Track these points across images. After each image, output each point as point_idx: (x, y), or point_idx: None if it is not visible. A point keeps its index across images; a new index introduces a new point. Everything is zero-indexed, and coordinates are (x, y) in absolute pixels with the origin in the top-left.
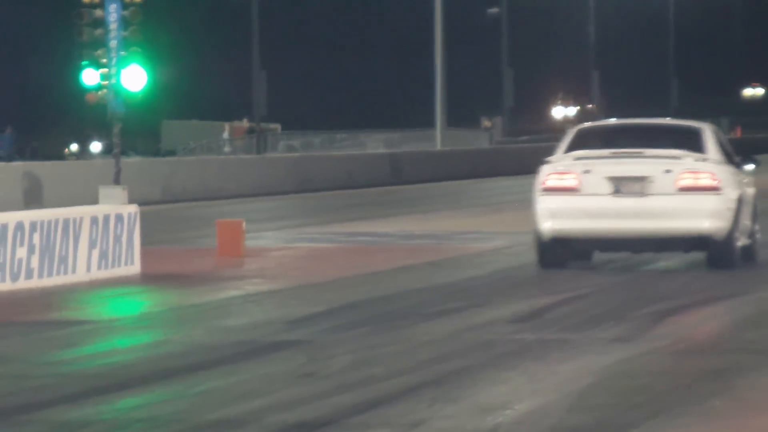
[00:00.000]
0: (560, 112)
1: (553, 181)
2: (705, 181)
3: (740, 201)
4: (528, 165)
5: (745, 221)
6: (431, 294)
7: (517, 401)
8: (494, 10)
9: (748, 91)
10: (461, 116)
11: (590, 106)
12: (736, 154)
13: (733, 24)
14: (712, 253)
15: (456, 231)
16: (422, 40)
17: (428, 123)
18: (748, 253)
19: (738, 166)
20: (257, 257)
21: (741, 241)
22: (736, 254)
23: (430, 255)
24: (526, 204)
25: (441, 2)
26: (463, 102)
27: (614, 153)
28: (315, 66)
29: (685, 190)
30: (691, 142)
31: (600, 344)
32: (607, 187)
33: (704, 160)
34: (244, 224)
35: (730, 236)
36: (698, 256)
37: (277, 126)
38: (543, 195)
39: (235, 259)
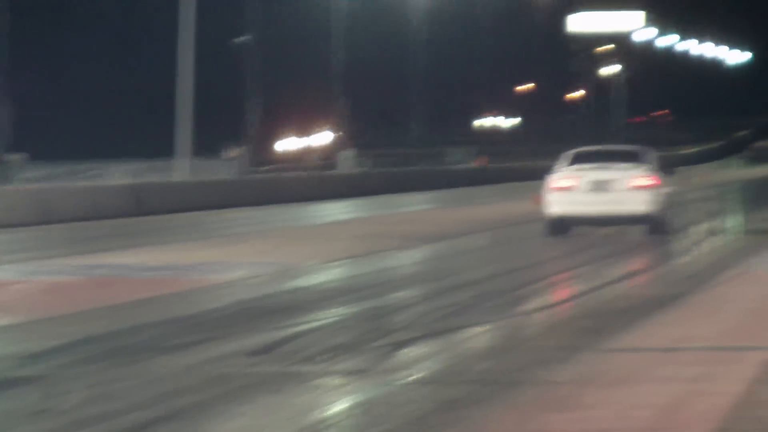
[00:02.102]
0: (289, 144)
1: (558, 183)
2: (647, 181)
3: (667, 194)
4: (271, 195)
5: (669, 208)
6: (170, 327)
7: None
8: (242, 38)
9: (480, 121)
10: (206, 146)
11: (338, 134)
12: (663, 167)
13: (470, 57)
14: (652, 225)
15: (197, 262)
16: (168, 68)
17: (172, 153)
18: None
19: (666, 173)
20: None
21: (666, 217)
22: (667, 226)
23: (171, 287)
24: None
25: (186, 29)
26: (208, 132)
27: (594, 166)
28: (63, 96)
29: (636, 188)
30: (638, 158)
31: (337, 376)
32: (590, 186)
33: (646, 169)
34: None
35: (662, 214)
36: (438, 289)
37: (19, 156)
38: (552, 192)
39: None
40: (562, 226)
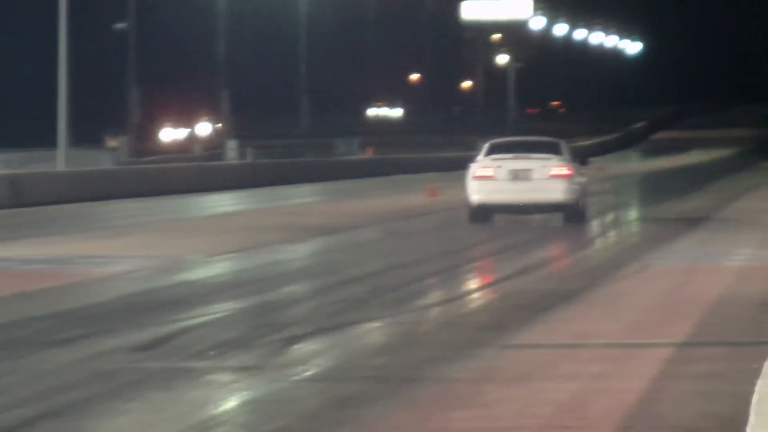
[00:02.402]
0: (174, 134)
1: (479, 172)
2: (564, 171)
3: (581, 183)
4: (155, 186)
5: (583, 196)
6: (53, 321)
7: None
8: (122, 25)
9: (372, 111)
10: (86, 135)
11: (218, 125)
12: (577, 157)
13: (362, 43)
14: (567, 213)
15: (80, 255)
16: (46, 55)
17: (52, 143)
18: (580, 212)
19: (581, 163)
20: None
21: (581, 205)
22: (582, 213)
23: (53, 280)
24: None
25: (65, 17)
26: (89, 121)
27: (513, 156)
28: None
29: (553, 177)
30: (554, 149)
31: (227, 372)
32: (509, 176)
33: (562, 160)
34: None
35: (577, 202)
36: (330, 283)
37: None
38: (473, 180)
39: None
40: (484, 213)
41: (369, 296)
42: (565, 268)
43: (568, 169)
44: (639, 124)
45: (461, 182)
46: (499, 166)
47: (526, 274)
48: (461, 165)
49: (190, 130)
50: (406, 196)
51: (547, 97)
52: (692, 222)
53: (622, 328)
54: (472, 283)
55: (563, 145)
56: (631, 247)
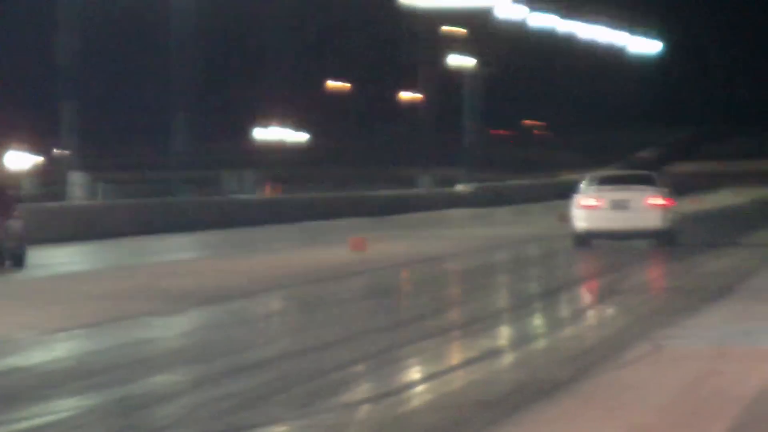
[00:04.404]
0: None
1: (584, 201)
2: (659, 201)
3: (674, 212)
4: None
5: (675, 222)
6: None
7: None
8: None
9: (264, 133)
10: None
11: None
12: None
13: (262, 42)
14: (661, 239)
15: None
16: None
17: None
18: (674, 237)
19: (673, 194)
20: None
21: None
22: (674, 239)
23: None
24: None
25: None
26: None
27: (613, 188)
28: None
29: (650, 206)
30: (649, 181)
31: None
32: (611, 205)
33: (657, 190)
34: None
35: (671, 230)
36: (216, 371)
37: None
38: (579, 209)
39: None
40: (587, 239)
41: (271, 389)
42: (540, 352)
43: (663, 199)
44: (647, 152)
45: (398, 230)
46: (600, 197)
47: (492, 358)
48: (399, 208)
49: (19, 158)
50: (323, 250)
51: (522, 114)
52: (723, 288)
53: None
54: (416, 371)
55: (656, 176)
56: (636, 322)
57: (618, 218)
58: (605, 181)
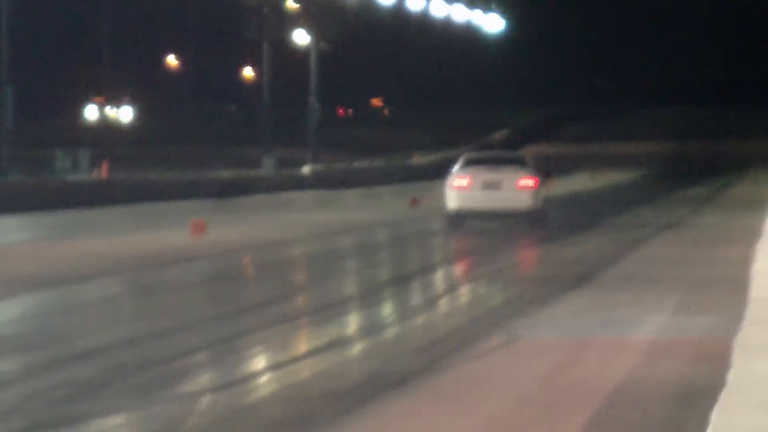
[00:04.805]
0: None
1: (457, 182)
2: (530, 182)
3: (544, 193)
4: None
5: (545, 203)
6: None
7: None
8: None
9: (89, 111)
10: None
11: None
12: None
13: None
14: (531, 219)
15: None
16: None
17: None
18: (544, 218)
19: (545, 176)
20: None
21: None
22: (544, 219)
23: None
24: None
25: None
26: None
27: (485, 168)
28: None
29: (521, 187)
30: (521, 162)
31: None
32: (482, 185)
33: (529, 171)
34: None
35: (541, 210)
36: (48, 359)
37: None
38: (451, 189)
39: None
40: (459, 219)
41: (108, 378)
42: (399, 341)
43: (534, 181)
44: (500, 134)
45: (239, 213)
46: (472, 177)
47: (340, 348)
48: (242, 190)
49: None
50: (160, 233)
51: (368, 92)
52: (578, 277)
53: (481, 428)
54: (260, 361)
55: (529, 158)
56: (490, 311)
57: (489, 198)
58: (478, 162)
